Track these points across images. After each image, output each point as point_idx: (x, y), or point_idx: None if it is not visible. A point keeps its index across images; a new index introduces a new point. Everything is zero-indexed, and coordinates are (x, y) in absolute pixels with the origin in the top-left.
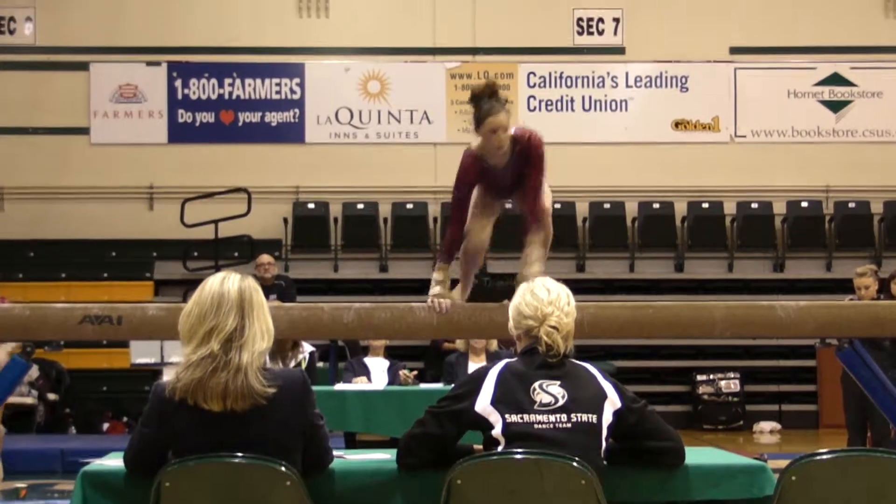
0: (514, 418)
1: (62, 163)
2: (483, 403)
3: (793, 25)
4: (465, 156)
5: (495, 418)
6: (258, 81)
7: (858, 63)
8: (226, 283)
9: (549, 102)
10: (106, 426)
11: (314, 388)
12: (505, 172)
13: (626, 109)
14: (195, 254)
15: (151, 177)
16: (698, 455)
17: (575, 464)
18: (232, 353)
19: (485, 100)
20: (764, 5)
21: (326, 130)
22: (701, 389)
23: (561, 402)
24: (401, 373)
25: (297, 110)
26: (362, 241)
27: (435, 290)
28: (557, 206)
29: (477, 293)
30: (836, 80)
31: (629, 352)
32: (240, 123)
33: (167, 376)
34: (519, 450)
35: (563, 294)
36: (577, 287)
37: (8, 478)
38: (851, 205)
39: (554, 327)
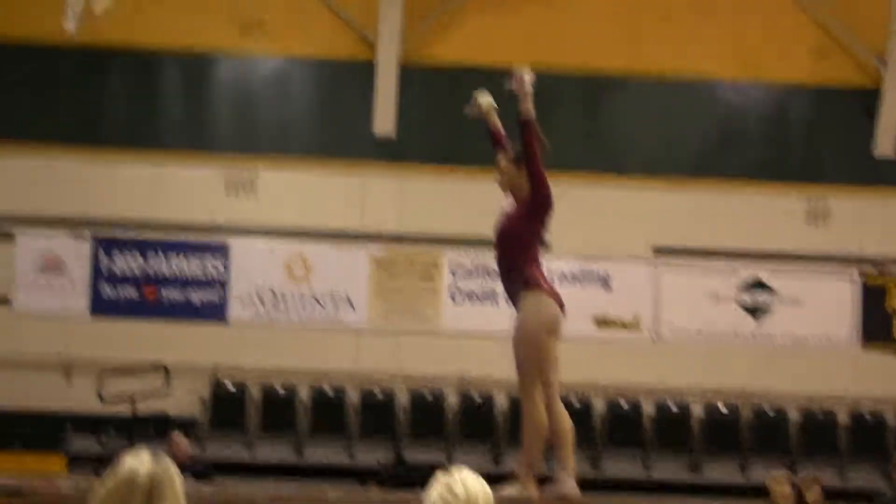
0: None
1: None
2: None
3: (716, 228)
4: None
5: None
6: (182, 258)
7: (779, 269)
8: (138, 467)
9: (471, 293)
10: None
11: None
12: None
13: None
14: (111, 429)
15: (70, 349)
16: None
17: None
18: None
19: None
20: (688, 207)
21: (249, 310)
22: None
23: None
24: None
25: (220, 289)
26: (280, 424)
27: None
28: (476, 397)
29: (393, 482)
30: (757, 285)
31: None
32: (162, 299)
33: None
34: None
35: (482, 493)
36: (494, 480)
37: None
38: (768, 409)
39: None
